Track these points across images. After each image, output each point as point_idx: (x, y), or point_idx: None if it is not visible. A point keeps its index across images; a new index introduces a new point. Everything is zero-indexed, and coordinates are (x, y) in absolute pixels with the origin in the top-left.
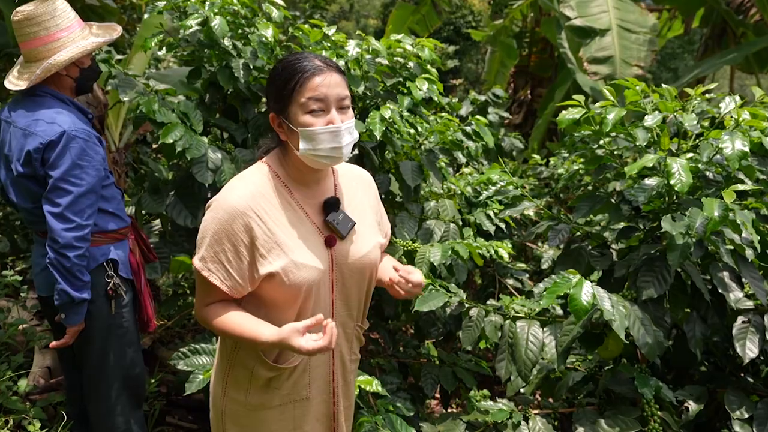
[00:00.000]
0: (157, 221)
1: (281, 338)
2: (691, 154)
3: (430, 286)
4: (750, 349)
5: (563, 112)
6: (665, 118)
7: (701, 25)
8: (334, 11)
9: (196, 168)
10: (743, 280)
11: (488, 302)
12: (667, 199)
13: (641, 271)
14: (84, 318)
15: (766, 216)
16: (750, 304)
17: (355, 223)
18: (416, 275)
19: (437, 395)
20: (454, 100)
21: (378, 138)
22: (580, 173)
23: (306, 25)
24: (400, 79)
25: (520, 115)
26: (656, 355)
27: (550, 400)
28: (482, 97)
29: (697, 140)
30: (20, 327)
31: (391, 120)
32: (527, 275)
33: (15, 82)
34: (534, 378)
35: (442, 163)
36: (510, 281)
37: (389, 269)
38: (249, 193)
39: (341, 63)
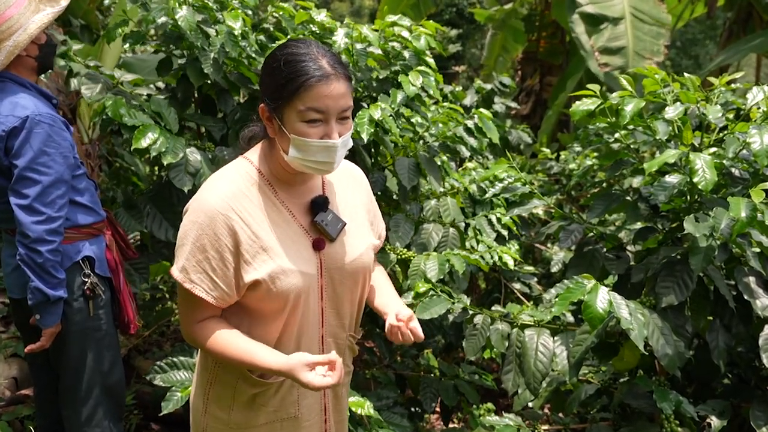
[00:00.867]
0: (136, 232)
1: (289, 369)
2: (715, 149)
3: (431, 292)
4: None
5: (576, 102)
6: (687, 109)
7: (725, 9)
8: None
9: (174, 173)
10: None
11: (493, 308)
12: (689, 197)
13: (660, 276)
14: (60, 319)
15: None
16: None
17: (345, 224)
18: (419, 331)
19: (437, 409)
20: (457, 89)
21: (365, 141)
22: (594, 169)
23: (288, 5)
24: (397, 68)
25: (528, 105)
26: (676, 366)
27: (561, 415)
28: (488, 86)
29: (722, 134)
30: None
31: (381, 119)
32: (535, 279)
33: None
34: (543, 391)
35: (444, 158)
36: (517, 285)
37: (390, 305)
38: (230, 192)
39: None
